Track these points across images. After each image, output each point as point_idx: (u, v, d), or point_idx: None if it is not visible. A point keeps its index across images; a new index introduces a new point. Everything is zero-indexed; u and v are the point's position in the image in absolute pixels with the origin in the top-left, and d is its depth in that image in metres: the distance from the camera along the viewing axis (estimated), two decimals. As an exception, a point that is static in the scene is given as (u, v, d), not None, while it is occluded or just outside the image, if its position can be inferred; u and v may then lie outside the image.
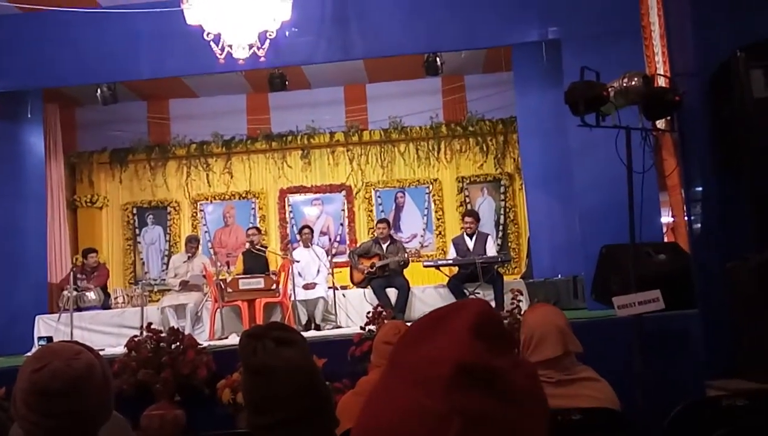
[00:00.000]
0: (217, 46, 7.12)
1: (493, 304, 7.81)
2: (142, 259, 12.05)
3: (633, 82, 4.69)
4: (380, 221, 9.25)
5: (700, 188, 4.86)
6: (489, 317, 0.82)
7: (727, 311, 4.48)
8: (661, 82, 5.60)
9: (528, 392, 0.80)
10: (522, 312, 5.68)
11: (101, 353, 1.83)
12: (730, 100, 4.39)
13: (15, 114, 9.37)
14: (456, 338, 0.78)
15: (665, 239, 8.17)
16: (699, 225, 4.89)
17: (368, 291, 8.30)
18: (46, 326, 8.19)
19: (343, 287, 8.83)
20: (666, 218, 8.92)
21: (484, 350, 0.78)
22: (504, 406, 0.77)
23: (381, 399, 0.79)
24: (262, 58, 7.36)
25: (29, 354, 7.38)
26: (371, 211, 11.88)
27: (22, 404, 1.67)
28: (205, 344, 6.25)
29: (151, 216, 12.09)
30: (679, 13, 5.13)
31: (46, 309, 9.07)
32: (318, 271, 8.71)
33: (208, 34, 7.03)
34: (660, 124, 5.44)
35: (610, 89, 4.61)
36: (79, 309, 8.46)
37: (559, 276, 8.81)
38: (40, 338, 7.68)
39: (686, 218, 5.12)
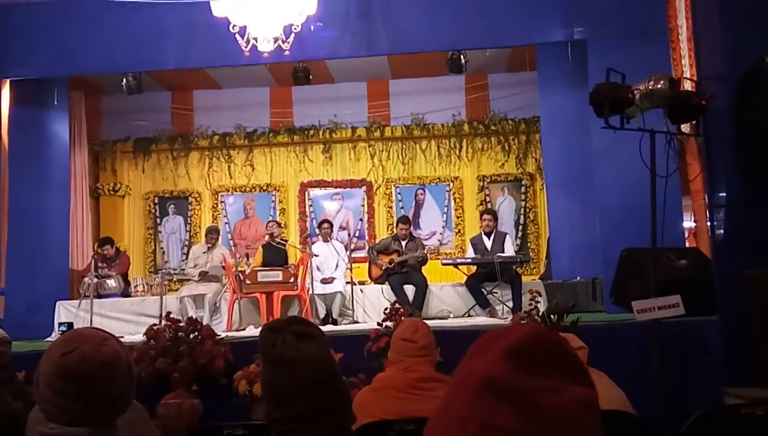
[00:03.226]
0: (243, 38, 7.16)
1: (510, 304, 7.78)
2: (162, 248, 12.13)
3: (659, 85, 4.65)
4: (402, 221, 9.03)
5: (723, 194, 4.82)
6: (535, 340, 0.86)
7: (747, 319, 4.44)
8: (687, 85, 5.56)
9: (567, 419, 0.81)
10: (540, 313, 5.68)
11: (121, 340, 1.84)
12: (756, 106, 4.36)
13: (41, 101, 9.47)
14: (491, 356, 0.85)
15: (687, 244, 8.10)
16: (722, 231, 4.85)
17: (386, 287, 8.29)
18: (67, 312, 8.26)
19: (361, 283, 8.83)
20: (688, 223, 8.84)
21: (514, 369, 0.82)
22: (525, 425, 0.79)
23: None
24: (287, 52, 7.39)
25: (50, 339, 7.46)
26: (391, 207, 11.88)
27: (46, 387, 1.66)
28: (223, 334, 6.29)
29: (172, 206, 12.17)
30: (708, 17, 5.09)
31: (67, 295, 9.13)
32: (336, 265, 8.72)
33: (234, 26, 7.08)
34: (685, 128, 5.39)
35: (635, 91, 4.58)
36: (99, 296, 8.53)
37: (578, 278, 8.77)
38: (60, 324, 7.75)
39: (709, 224, 5.08)
